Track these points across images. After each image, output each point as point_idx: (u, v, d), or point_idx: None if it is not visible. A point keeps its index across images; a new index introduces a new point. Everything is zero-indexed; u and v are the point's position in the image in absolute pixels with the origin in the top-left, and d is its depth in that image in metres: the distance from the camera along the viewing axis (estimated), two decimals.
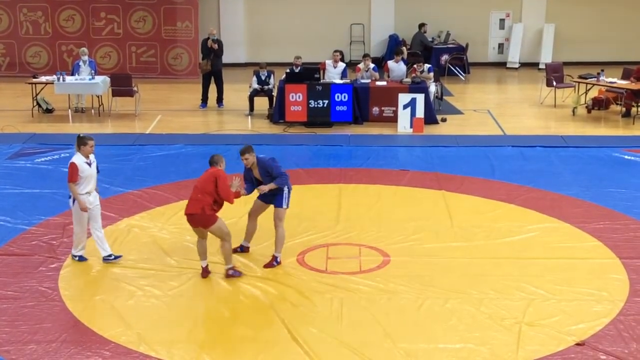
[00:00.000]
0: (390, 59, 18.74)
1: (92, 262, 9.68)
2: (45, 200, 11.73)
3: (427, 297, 8.70)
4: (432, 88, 17.50)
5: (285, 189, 9.48)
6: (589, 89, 18.13)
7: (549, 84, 18.73)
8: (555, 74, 18.74)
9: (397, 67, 17.77)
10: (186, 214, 9.09)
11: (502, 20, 24.34)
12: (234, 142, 14.25)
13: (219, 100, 18.55)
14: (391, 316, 8.31)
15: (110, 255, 9.68)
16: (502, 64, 24.25)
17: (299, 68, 17.02)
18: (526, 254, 9.94)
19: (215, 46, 18.01)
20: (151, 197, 11.99)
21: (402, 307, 8.52)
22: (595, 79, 17.73)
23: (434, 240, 10.38)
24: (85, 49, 18.39)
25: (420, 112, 16.28)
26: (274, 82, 17.62)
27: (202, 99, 18.54)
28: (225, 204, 9.14)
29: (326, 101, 16.68)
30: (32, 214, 11.21)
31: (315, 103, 16.68)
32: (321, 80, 17.07)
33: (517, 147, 14.94)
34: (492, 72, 23.86)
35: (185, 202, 9.21)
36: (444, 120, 17.17)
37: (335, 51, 18.05)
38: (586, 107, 17.97)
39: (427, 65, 17.83)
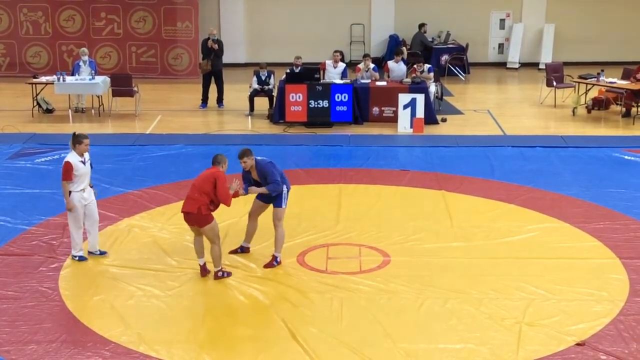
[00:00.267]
0: (391, 59, 18.75)
1: (92, 262, 9.69)
2: (46, 201, 11.73)
3: (427, 297, 8.71)
4: (432, 88, 17.50)
5: (285, 189, 9.47)
6: (589, 89, 18.14)
7: (549, 84, 18.73)
8: (555, 74, 18.74)
9: (397, 67, 17.77)
10: (182, 211, 9.11)
11: (502, 20, 24.34)
12: (234, 143, 14.26)
13: (219, 100, 18.55)
14: (391, 316, 8.31)
15: (96, 251, 9.80)
16: (502, 64, 24.25)
17: (299, 68, 17.02)
18: (526, 254, 9.94)
19: (216, 46, 18.02)
20: (151, 197, 12.00)
21: (402, 307, 8.52)
22: (595, 79, 17.73)
23: (434, 240, 10.38)
24: (85, 49, 18.39)
25: (420, 112, 16.28)
26: (274, 82, 17.62)
27: (202, 99, 18.55)
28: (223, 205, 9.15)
29: (326, 101, 16.68)
30: (32, 214, 11.22)
31: (316, 103, 16.69)
32: (321, 81, 17.07)
33: (517, 147, 14.94)
34: (492, 72, 23.87)
35: None
36: (444, 120, 17.18)
37: (336, 51, 18.05)
38: (586, 107, 17.97)
39: (427, 66, 17.83)
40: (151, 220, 11.06)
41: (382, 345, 7.71)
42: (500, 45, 24.46)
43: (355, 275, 9.31)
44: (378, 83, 17.25)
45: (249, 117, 17.58)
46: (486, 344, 7.71)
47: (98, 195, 10.27)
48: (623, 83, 17.41)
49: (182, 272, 9.38)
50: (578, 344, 7.68)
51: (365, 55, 18.16)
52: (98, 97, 17.67)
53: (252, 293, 8.85)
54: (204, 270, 9.30)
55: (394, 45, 22.69)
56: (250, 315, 8.38)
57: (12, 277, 9.20)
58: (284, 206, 9.50)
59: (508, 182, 12.81)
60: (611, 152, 14.54)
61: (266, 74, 17.55)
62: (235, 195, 9.30)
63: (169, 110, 18.43)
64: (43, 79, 17.78)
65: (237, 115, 17.84)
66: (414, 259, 9.77)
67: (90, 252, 9.81)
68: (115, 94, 17.74)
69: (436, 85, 18.05)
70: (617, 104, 17.73)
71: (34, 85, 17.56)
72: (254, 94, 17.62)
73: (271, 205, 9.61)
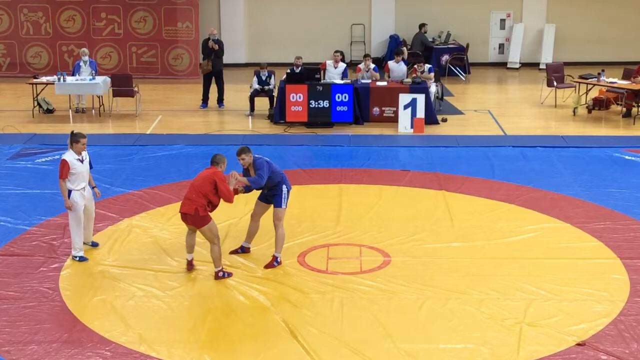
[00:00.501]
0: (391, 59, 18.76)
1: (92, 262, 9.69)
2: (46, 201, 11.73)
3: (428, 297, 8.71)
4: (433, 88, 17.50)
5: (284, 189, 9.47)
6: (590, 89, 18.14)
7: (549, 84, 18.73)
8: (555, 74, 18.74)
9: (397, 67, 17.77)
10: (180, 212, 9.12)
11: (502, 21, 24.33)
12: (235, 143, 14.24)
13: (220, 100, 18.55)
14: (392, 316, 8.31)
15: (89, 242, 9.92)
16: (502, 64, 24.24)
17: (299, 68, 17.02)
18: (527, 254, 9.94)
19: (216, 46, 18.02)
20: (152, 198, 12.00)
21: (403, 307, 8.52)
22: (596, 79, 17.73)
23: (434, 240, 10.38)
24: (85, 50, 18.39)
25: (420, 113, 16.29)
26: (274, 83, 17.62)
27: (202, 100, 18.55)
28: (226, 204, 9.14)
29: (327, 101, 16.68)
30: (32, 214, 11.22)
31: (316, 103, 16.69)
32: (322, 81, 17.07)
33: (517, 147, 14.94)
34: (492, 72, 23.86)
35: None
36: (444, 120, 17.18)
37: (336, 51, 18.06)
38: (587, 107, 17.97)
39: (427, 66, 17.83)
40: (152, 221, 11.06)
41: (383, 346, 7.71)
42: (501, 46, 24.46)
43: (355, 275, 9.31)
44: (378, 83, 17.25)
45: (250, 117, 17.58)
46: (487, 344, 7.71)
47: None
48: (623, 83, 17.41)
49: (182, 273, 9.38)
50: (578, 344, 7.68)
51: (366, 56, 18.16)
52: (98, 97, 17.68)
53: (253, 293, 8.85)
54: (189, 265, 9.35)
55: (394, 46, 22.69)
56: (250, 316, 8.37)
57: (13, 277, 9.20)
58: (283, 206, 9.50)
59: (509, 182, 12.80)
60: (612, 152, 14.54)
61: (267, 74, 17.55)
62: (235, 192, 9.30)
63: (169, 110, 18.43)
64: (43, 79, 17.79)
65: (238, 115, 17.85)
66: (414, 259, 9.77)
67: (83, 243, 9.85)
68: (116, 94, 17.74)
69: (437, 86, 18.05)
70: (617, 104, 17.72)
71: (34, 86, 17.57)
72: (255, 94, 17.62)
73: (272, 206, 9.61)
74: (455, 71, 22.64)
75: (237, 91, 19.34)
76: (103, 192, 10.95)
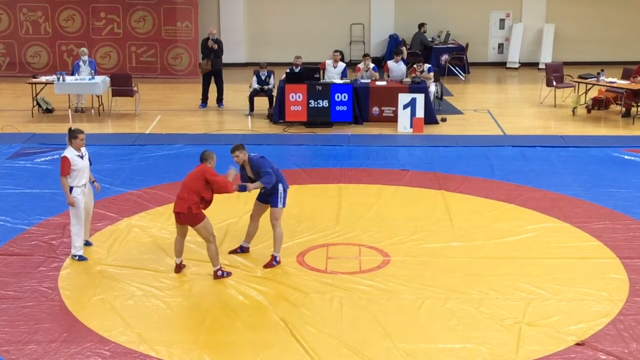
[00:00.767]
0: (390, 58, 18.75)
1: (91, 262, 9.69)
2: (45, 200, 11.73)
3: (427, 297, 8.71)
4: (432, 88, 17.50)
5: (280, 189, 9.45)
6: (589, 89, 18.14)
7: (549, 84, 18.73)
8: (555, 74, 18.74)
9: (397, 67, 17.77)
10: (174, 212, 9.14)
11: (502, 20, 24.33)
12: (234, 142, 14.14)
13: (219, 100, 18.55)
14: (391, 316, 8.31)
15: (85, 242, 9.91)
16: (502, 64, 24.24)
17: (299, 68, 17.02)
18: (526, 253, 9.94)
19: (215, 46, 18.01)
20: (151, 197, 12.00)
21: (402, 307, 8.52)
22: (595, 79, 17.73)
23: (433, 240, 10.38)
24: (85, 49, 18.39)
25: (420, 112, 16.29)
26: (274, 82, 17.62)
27: (202, 99, 18.55)
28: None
29: (326, 101, 16.68)
30: (32, 214, 11.22)
31: (315, 103, 16.69)
32: (321, 80, 17.07)
33: (517, 147, 14.94)
34: (492, 72, 23.86)
35: None
36: (443, 120, 17.18)
37: (335, 51, 18.06)
38: (586, 107, 17.97)
39: (427, 65, 17.84)
40: (151, 220, 11.06)
41: (382, 345, 7.71)
42: (500, 45, 24.46)
43: (355, 275, 9.31)
44: (378, 83, 17.25)
45: (249, 116, 17.58)
46: (486, 344, 7.71)
47: (98, 195, 10.30)
48: (623, 83, 17.41)
49: (182, 272, 9.37)
50: (578, 344, 7.68)
51: (365, 55, 18.16)
52: (98, 97, 17.68)
53: (252, 293, 8.84)
54: (178, 268, 9.37)
55: (393, 45, 22.68)
56: (249, 315, 8.37)
57: (12, 276, 9.20)
58: (280, 206, 9.49)
59: (508, 182, 12.80)
60: (611, 152, 14.54)
61: (266, 74, 17.55)
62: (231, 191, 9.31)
63: (168, 110, 18.42)
64: (43, 78, 17.78)
65: (237, 115, 17.84)
66: (413, 259, 9.77)
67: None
68: (115, 93, 17.74)
69: (436, 85, 18.05)
70: (617, 104, 17.72)
71: (33, 85, 17.56)
72: (254, 93, 17.62)
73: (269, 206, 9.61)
74: (455, 71, 22.64)
75: (237, 91, 19.34)
76: (102, 192, 10.95)
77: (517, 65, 23.93)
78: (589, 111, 17.89)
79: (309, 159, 14.44)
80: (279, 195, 9.46)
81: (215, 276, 9.17)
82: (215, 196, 9.22)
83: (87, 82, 17.19)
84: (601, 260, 9.72)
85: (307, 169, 13.60)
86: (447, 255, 9.89)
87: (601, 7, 23.84)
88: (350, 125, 16.74)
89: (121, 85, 17.64)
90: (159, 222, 10.97)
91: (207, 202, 9.10)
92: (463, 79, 22.43)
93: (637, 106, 17.24)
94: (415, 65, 17.74)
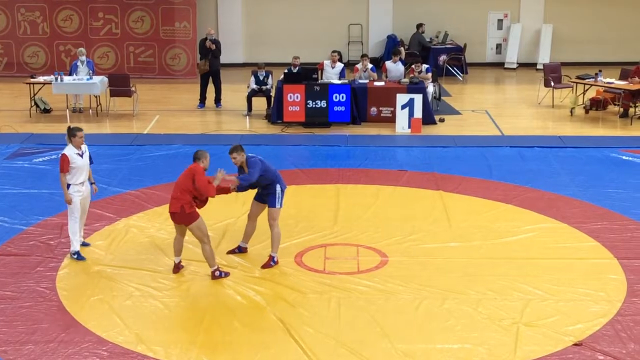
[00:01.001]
0: (389, 59, 18.75)
1: (89, 262, 9.68)
2: (43, 200, 11.72)
3: (425, 298, 8.71)
4: (430, 88, 17.50)
5: (278, 189, 9.44)
6: (587, 90, 18.15)
7: (546, 85, 18.75)
8: (553, 75, 18.75)
9: (395, 67, 17.77)
10: (169, 212, 9.15)
11: (500, 21, 24.34)
12: (232, 143, 14.04)
13: (217, 100, 18.54)
14: (389, 316, 8.31)
15: (82, 243, 9.93)
16: (500, 65, 24.25)
17: (297, 68, 17.02)
18: (524, 254, 9.94)
19: (213, 46, 18.00)
20: (149, 197, 11.99)
21: (400, 307, 8.52)
22: (593, 79, 17.75)
23: (431, 240, 10.38)
24: (83, 49, 18.38)
25: (418, 113, 16.29)
26: (272, 83, 17.61)
27: (200, 99, 18.54)
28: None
29: (324, 101, 16.68)
30: (29, 214, 11.21)
31: (313, 103, 16.68)
32: (319, 81, 17.06)
33: (514, 147, 14.95)
34: (490, 72, 23.87)
35: None
36: (442, 120, 17.18)
37: (333, 51, 18.07)
38: (584, 107, 17.98)
39: (425, 66, 17.84)
40: (149, 221, 11.06)
41: (380, 346, 7.71)
42: (498, 46, 24.47)
43: (353, 275, 9.31)
44: (376, 83, 17.25)
45: (247, 117, 17.58)
46: (484, 344, 7.72)
47: (96, 195, 10.29)
48: (621, 83, 17.43)
49: (179, 273, 9.37)
50: (575, 344, 7.69)
51: (363, 56, 18.16)
52: (96, 97, 17.67)
53: (250, 293, 8.84)
54: (176, 268, 9.37)
55: (392, 46, 22.68)
56: (247, 316, 8.37)
57: (10, 277, 9.19)
58: (278, 206, 9.48)
59: (506, 182, 12.81)
60: (609, 152, 14.55)
61: (264, 74, 17.54)
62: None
63: (166, 110, 18.42)
64: (41, 78, 17.76)
65: (235, 115, 17.84)
66: (411, 259, 9.77)
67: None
68: (113, 94, 17.73)
69: (434, 86, 18.05)
70: (614, 105, 17.74)
71: (31, 85, 17.55)
72: (252, 94, 17.61)
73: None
74: (453, 71, 22.65)
75: (235, 91, 19.33)
76: (100, 192, 10.95)
77: (515, 66, 23.94)
78: (586, 112, 17.90)
79: (307, 159, 14.44)
80: (277, 196, 9.46)
81: (213, 276, 9.17)
82: (215, 197, 9.22)
83: (85, 82, 17.18)
84: (599, 261, 9.73)
85: (305, 169, 13.60)
86: (445, 256, 9.90)
87: (599, 8, 23.86)
88: (349, 125, 16.74)
89: (119, 86, 17.63)
90: (156, 222, 10.96)
91: (202, 201, 9.09)
92: (461, 79, 22.44)
93: (635, 107, 17.26)
94: (413, 66, 17.74)
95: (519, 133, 16.26)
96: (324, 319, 8.27)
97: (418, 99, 16.30)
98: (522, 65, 24.00)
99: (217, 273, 9.18)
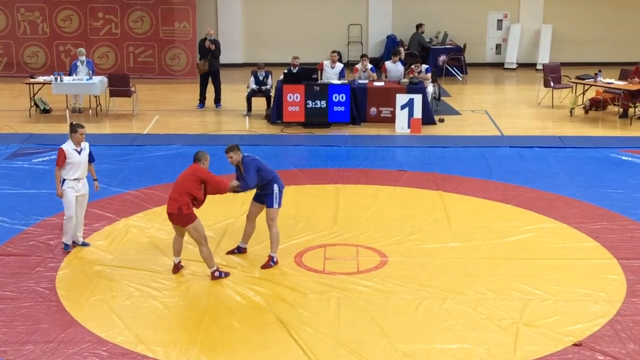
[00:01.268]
0: (388, 59, 18.75)
1: (89, 262, 9.68)
2: (43, 201, 11.72)
3: (425, 298, 8.71)
4: (430, 88, 17.50)
5: (276, 189, 9.42)
6: (587, 90, 18.15)
7: (546, 85, 18.75)
8: (552, 75, 18.75)
9: (394, 67, 17.77)
10: (167, 213, 9.16)
11: (499, 21, 24.35)
12: (232, 143, 14.20)
13: (217, 100, 18.54)
14: (389, 316, 8.31)
15: (79, 242, 10.06)
16: (499, 65, 24.25)
17: (296, 68, 17.02)
18: (523, 254, 9.95)
19: (213, 47, 18.00)
20: (149, 198, 11.99)
21: (400, 308, 8.53)
22: (593, 79, 17.75)
23: (431, 240, 10.38)
24: (82, 49, 18.38)
25: (417, 113, 16.29)
26: (271, 83, 17.61)
27: (199, 100, 18.55)
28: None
29: (324, 102, 16.68)
30: (29, 214, 11.21)
31: (313, 103, 16.69)
32: (319, 81, 17.07)
33: (514, 147, 14.96)
34: (489, 72, 23.88)
35: None
36: (441, 120, 17.18)
37: (333, 52, 18.07)
38: (584, 107, 17.98)
39: (424, 66, 17.85)
40: (148, 221, 11.06)
41: (380, 346, 7.71)
42: (498, 46, 24.48)
43: (352, 275, 9.31)
44: (376, 83, 17.25)
45: (247, 117, 17.58)
46: (483, 344, 7.72)
47: (96, 195, 10.31)
48: (620, 84, 17.43)
49: (179, 273, 9.37)
50: (575, 345, 7.69)
51: (363, 56, 18.16)
52: (95, 97, 17.67)
53: (249, 293, 8.84)
54: (176, 268, 9.39)
55: (391, 46, 22.68)
56: (247, 316, 8.37)
57: (9, 277, 9.19)
58: (276, 206, 9.46)
59: (505, 182, 12.81)
60: (608, 152, 14.55)
61: (264, 74, 17.55)
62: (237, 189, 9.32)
63: (166, 110, 18.42)
64: (40, 79, 17.76)
65: (235, 115, 17.84)
66: (411, 260, 9.78)
67: (74, 243, 10.02)
68: (113, 94, 17.73)
69: (434, 86, 18.05)
70: (614, 105, 17.74)
71: (31, 86, 17.55)
72: (252, 94, 17.62)
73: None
74: (453, 71, 22.65)
75: (234, 91, 19.33)
76: (100, 192, 10.96)
77: (514, 66, 23.94)
78: (586, 112, 17.90)
79: (307, 159, 14.44)
80: (274, 196, 9.44)
81: (213, 277, 9.17)
82: (213, 197, 9.22)
83: (84, 82, 17.18)
84: (598, 261, 9.73)
85: (305, 170, 13.60)
86: (444, 256, 9.90)
87: (599, 8, 23.86)
88: (348, 125, 16.74)
89: (119, 86, 17.63)
90: (156, 222, 10.96)
91: (200, 202, 9.10)
92: (461, 79, 22.44)
93: (635, 107, 17.27)
94: (413, 66, 17.74)
95: (519, 133, 16.26)
96: (324, 319, 8.27)
97: (418, 99, 16.30)
98: (521, 65, 24.00)
99: (216, 273, 9.18)
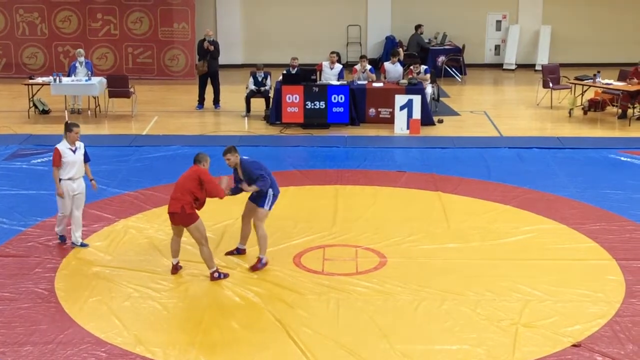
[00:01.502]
0: (387, 60, 18.76)
1: (88, 263, 9.68)
2: (42, 202, 11.71)
3: (424, 298, 8.71)
4: (429, 89, 17.51)
5: (270, 192, 9.40)
6: (585, 91, 18.17)
7: (545, 86, 18.76)
8: (551, 76, 18.76)
9: (393, 68, 17.78)
10: (168, 212, 9.17)
11: (498, 22, 24.37)
12: (231, 144, 14.15)
13: (216, 101, 18.54)
14: (388, 317, 8.31)
15: (78, 242, 10.07)
16: (498, 66, 24.27)
17: (295, 69, 17.02)
18: (522, 255, 9.95)
19: (211, 48, 18.00)
20: (147, 198, 11.99)
21: (399, 308, 8.52)
22: (592, 80, 17.77)
23: (430, 241, 10.38)
24: (81, 50, 18.38)
25: (416, 114, 16.29)
26: (270, 84, 17.61)
27: (198, 100, 18.54)
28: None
29: (323, 102, 16.68)
30: (28, 215, 11.20)
31: (312, 104, 16.69)
32: (318, 82, 17.08)
33: (513, 148, 14.96)
34: (488, 73, 23.89)
35: None
36: (440, 121, 17.19)
37: (332, 52, 18.07)
38: (582, 108, 17.99)
39: (423, 67, 17.85)
40: (147, 222, 11.05)
41: (379, 347, 7.71)
42: (497, 47, 24.50)
43: (351, 276, 9.31)
44: (375, 84, 17.26)
45: (246, 118, 17.58)
46: (482, 345, 7.72)
47: (95, 196, 10.32)
48: (619, 84, 17.44)
49: (178, 274, 9.37)
50: (574, 345, 7.69)
51: (362, 57, 18.17)
52: (94, 98, 17.66)
53: (248, 294, 8.84)
54: (174, 269, 9.39)
55: (390, 47, 22.68)
56: (246, 317, 8.37)
57: (8, 278, 9.19)
58: (266, 208, 9.44)
59: (504, 183, 12.82)
60: (607, 153, 14.56)
61: (263, 75, 17.55)
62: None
63: (165, 111, 18.42)
64: (39, 79, 17.76)
65: (234, 116, 17.84)
66: (410, 260, 9.78)
67: (73, 244, 10.06)
68: (112, 95, 17.72)
69: (432, 87, 18.06)
70: (613, 106, 17.75)
71: (30, 86, 17.54)
72: (251, 95, 17.62)
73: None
74: (451, 72, 22.66)
75: (233, 92, 19.32)
76: (99, 193, 10.95)
77: (513, 67, 23.96)
78: (585, 113, 17.91)
79: (306, 160, 14.44)
80: (267, 198, 9.41)
81: (212, 278, 9.17)
82: (212, 198, 9.22)
83: (83, 83, 17.18)
84: (597, 262, 9.73)
85: (304, 171, 13.60)
86: (443, 257, 9.90)
87: (597, 9, 23.89)
88: (347, 126, 16.74)
89: (118, 87, 17.63)
90: (155, 223, 10.96)
91: (201, 203, 9.10)
92: (460, 80, 22.45)
93: (633, 108, 17.28)
94: (411, 67, 17.75)
95: (518, 134, 16.27)
96: (323, 320, 8.27)
97: (417, 100, 16.31)
98: (520, 66, 24.02)
99: (216, 274, 9.18)
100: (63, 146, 9.83)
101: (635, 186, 12.59)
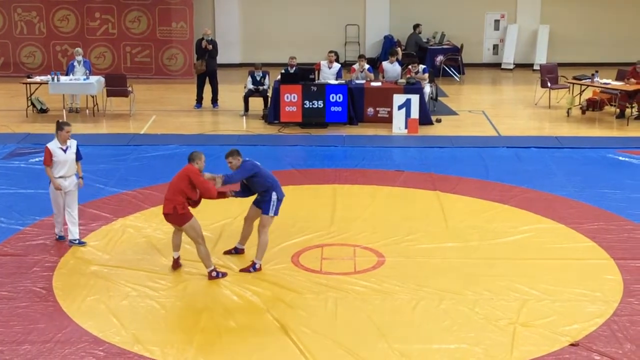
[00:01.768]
0: (385, 59, 18.77)
1: (86, 262, 9.67)
2: (40, 201, 11.69)
3: (422, 298, 8.71)
4: (427, 89, 17.51)
5: (274, 197, 9.34)
6: (584, 90, 18.18)
7: (543, 85, 18.76)
8: (549, 75, 18.77)
9: (391, 67, 17.78)
10: (163, 213, 9.17)
11: (497, 21, 24.37)
12: (229, 143, 14.21)
13: (214, 100, 18.54)
14: (386, 316, 8.31)
15: (75, 240, 10.10)
16: (496, 65, 24.28)
17: (293, 68, 17.01)
18: (520, 254, 9.95)
19: (210, 47, 18.00)
20: (146, 198, 11.98)
21: (397, 308, 8.53)
22: (590, 80, 17.77)
23: (428, 240, 10.39)
24: (79, 49, 18.37)
25: (415, 113, 16.30)
26: (268, 83, 17.61)
27: (196, 100, 18.54)
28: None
29: (321, 102, 16.68)
30: (26, 214, 11.20)
31: (310, 104, 16.68)
32: (316, 81, 17.08)
33: (511, 148, 14.97)
34: (486, 73, 23.90)
35: None
36: (438, 121, 17.19)
37: (330, 52, 18.07)
38: (580, 108, 18.00)
39: (421, 66, 17.86)
40: (145, 221, 11.05)
41: (377, 346, 7.72)
42: (495, 46, 24.50)
43: (349, 275, 9.31)
44: (373, 84, 17.26)
45: (244, 117, 17.58)
46: (480, 344, 7.72)
47: (92, 195, 10.32)
48: (617, 84, 17.45)
49: (176, 273, 9.37)
50: (572, 345, 7.70)
51: (360, 56, 18.18)
52: (92, 97, 17.65)
53: (246, 294, 8.84)
54: (175, 264, 9.40)
55: (388, 46, 22.67)
56: (244, 316, 8.37)
57: (6, 277, 9.18)
58: (271, 214, 9.36)
59: (502, 182, 12.82)
60: (605, 153, 14.57)
61: (261, 75, 17.55)
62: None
63: (163, 110, 18.41)
64: (37, 78, 17.75)
65: (232, 115, 17.84)
66: (408, 260, 9.78)
67: (70, 242, 10.08)
68: (110, 94, 17.71)
69: (431, 86, 18.07)
70: (611, 105, 17.76)
71: (28, 85, 17.53)
72: (249, 94, 17.61)
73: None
74: (450, 72, 22.67)
75: (232, 91, 19.32)
76: (97, 192, 10.96)
77: (511, 67, 23.97)
78: (583, 112, 17.92)
79: (304, 159, 14.44)
80: (271, 203, 9.34)
81: (210, 277, 9.16)
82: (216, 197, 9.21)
83: (81, 82, 17.16)
84: (595, 261, 9.74)
85: (302, 170, 13.60)
86: (441, 256, 9.90)
87: (596, 9, 23.90)
88: (345, 126, 16.74)
89: (116, 86, 17.62)
90: (153, 222, 10.95)
91: (195, 202, 9.09)
92: (458, 80, 22.46)
93: (631, 107, 17.29)
94: (410, 66, 17.76)
95: (516, 134, 16.27)
96: (321, 319, 8.27)
97: (415, 99, 16.31)
98: (518, 65, 24.03)
99: (213, 274, 9.17)
100: (54, 145, 9.87)
101: (633, 186, 12.60)
